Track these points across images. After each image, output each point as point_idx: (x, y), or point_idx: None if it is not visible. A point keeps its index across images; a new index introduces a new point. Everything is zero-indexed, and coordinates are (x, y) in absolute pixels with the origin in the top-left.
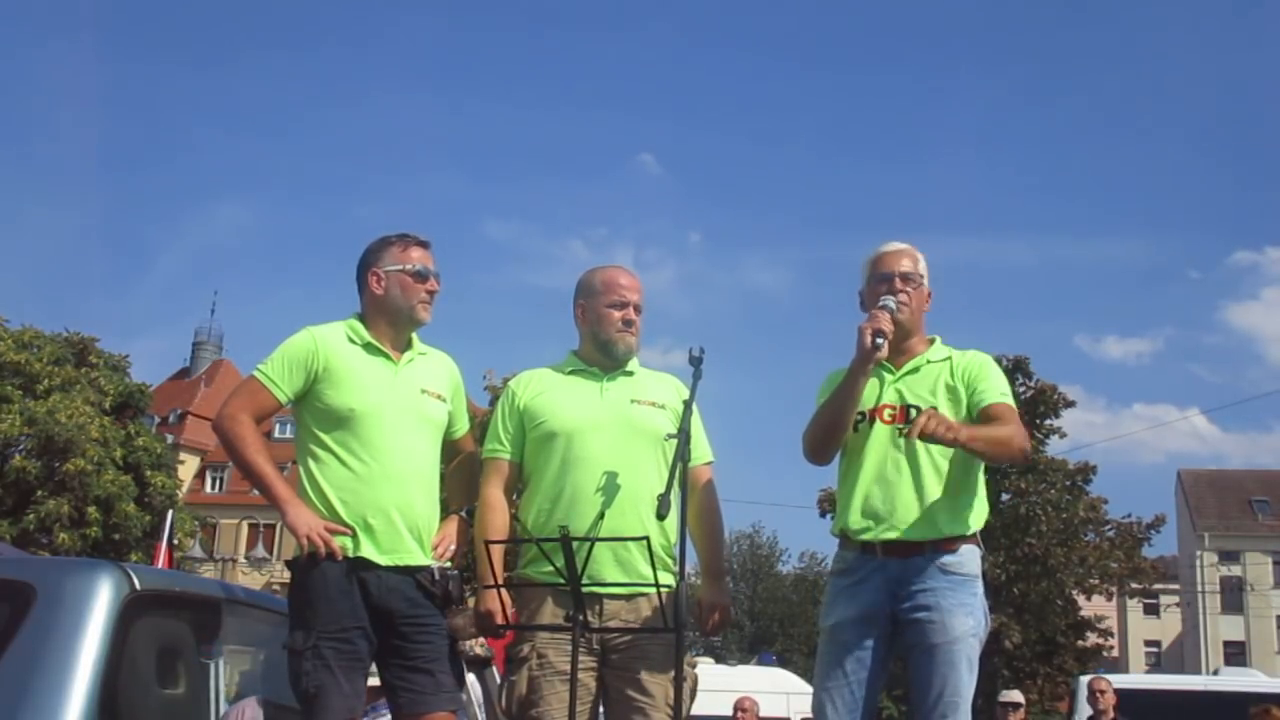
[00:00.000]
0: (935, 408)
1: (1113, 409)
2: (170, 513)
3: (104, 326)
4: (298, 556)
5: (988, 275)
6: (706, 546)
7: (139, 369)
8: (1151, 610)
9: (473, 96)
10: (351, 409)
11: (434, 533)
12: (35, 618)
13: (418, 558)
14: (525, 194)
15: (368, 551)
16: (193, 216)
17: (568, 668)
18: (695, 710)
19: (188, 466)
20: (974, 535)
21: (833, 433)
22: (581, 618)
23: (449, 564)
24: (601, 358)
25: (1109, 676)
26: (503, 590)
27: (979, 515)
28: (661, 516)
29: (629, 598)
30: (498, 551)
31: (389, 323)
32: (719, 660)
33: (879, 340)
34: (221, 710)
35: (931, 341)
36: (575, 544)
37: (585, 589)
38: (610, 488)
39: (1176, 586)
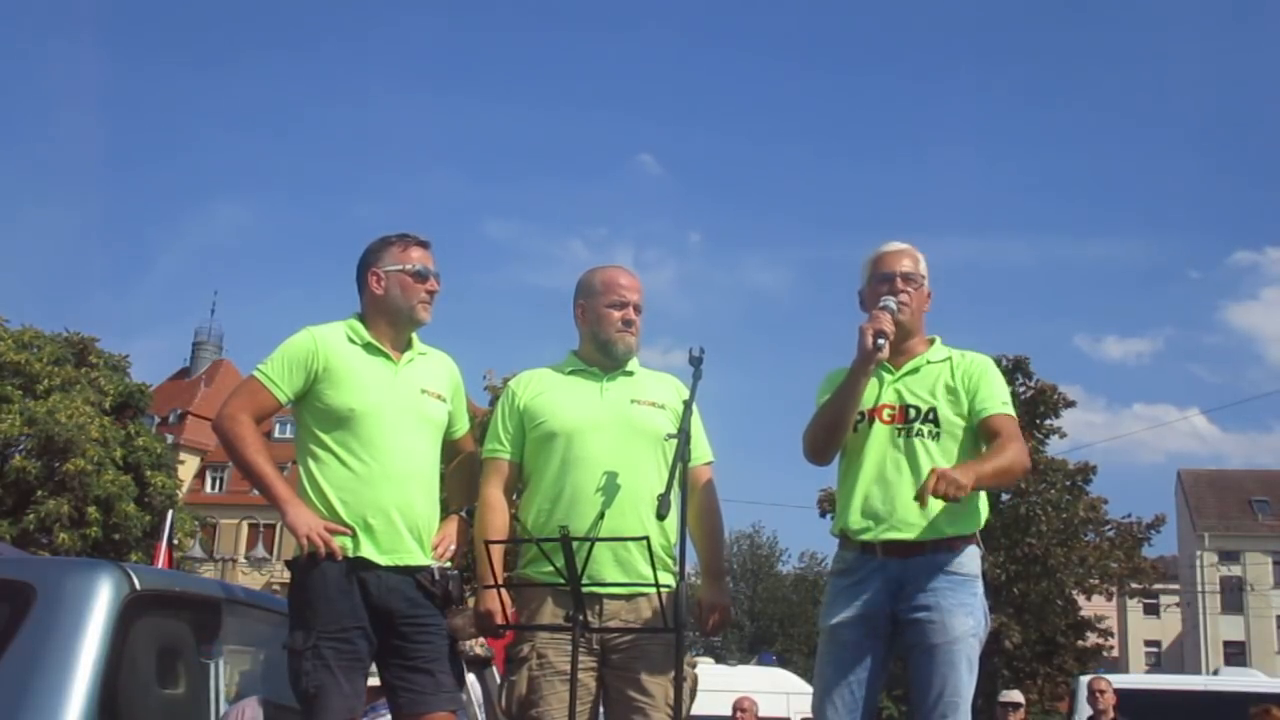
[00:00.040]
0: (935, 409)
1: (1113, 409)
2: (170, 513)
3: (104, 326)
4: (298, 556)
5: (987, 275)
6: (706, 547)
7: (139, 369)
8: (1151, 610)
9: (473, 96)
10: (351, 409)
11: (434, 533)
12: (35, 618)
13: (418, 558)
14: (525, 194)
15: (368, 551)
16: (193, 216)
17: (568, 668)
18: (695, 710)
19: (188, 466)
20: (974, 535)
21: (833, 433)
22: (581, 618)
23: (449, 564)
24: (601, 358)
25: (1109, 676)
26: (502, 590)
27: (979, 515)
28: (661, 516)
29: (629, 598)
30: (497, 551)
31: (389, 323)
32: (719, 660)
33: (880, 341)
34: (221, 710)
35: (931, 342)
36: (575, 544)
37: (585, 589)
38: (610, 488)
39: (1176, 586)
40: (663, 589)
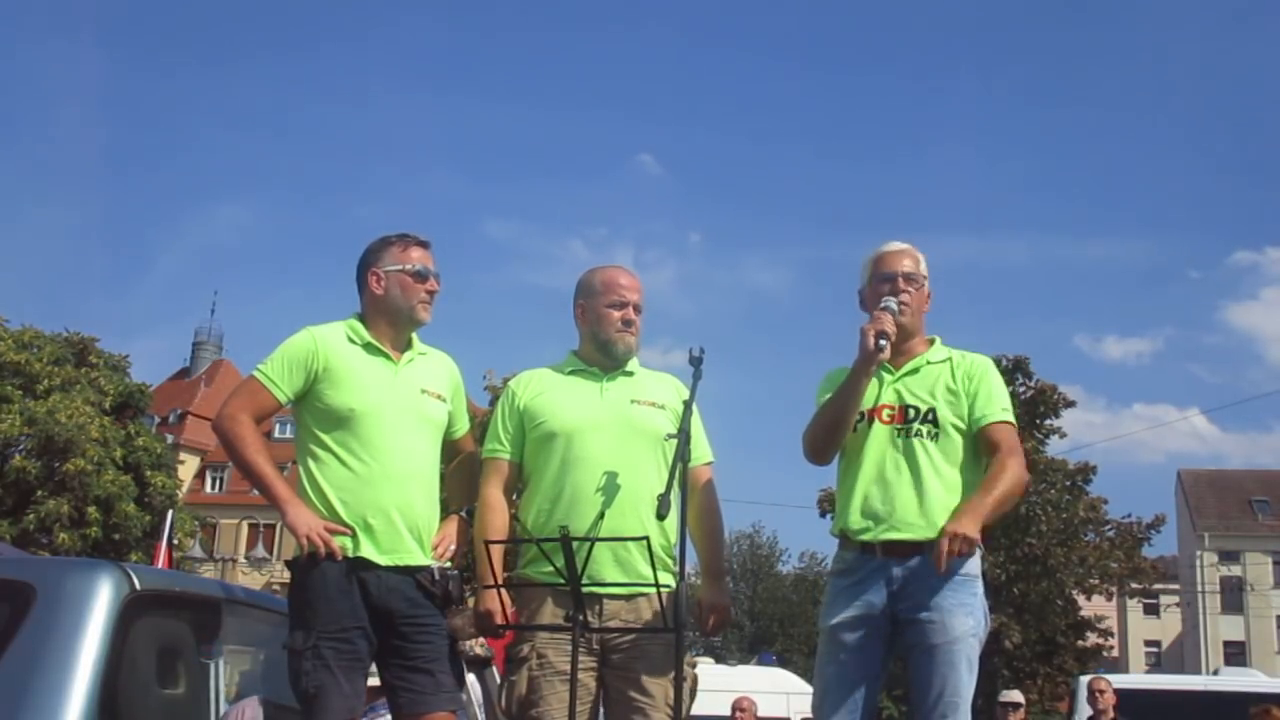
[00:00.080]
0: (934, 409)
1: (1113, 409)
2: (170, 513)
3: (104, 326)
4: (298, 556)
5: (987, 275)
6: (706, 547)
7: (139, 369)
8: (1151, 610)
9: (473, 96)
10: (351, 409)
11: (434, 533)
12: (35, 618)
13: (418, 558)
14: (525, 194)
15: (368, 551)
16: (193, 216)
17: (567, 668)
18: (695, 710)
19: (188, 466)
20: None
21: (834, 433)
22: (581, 618)
23: (449, 564)
24: (601, 358)
25: (1109, 676)
26: (502, 590)
27: None
28: (661, 517)
29: (629, 598)
30: (497, 551)
31: (389, 323)
32: (719, 660)
33: (882, 342)
34: (221, 710)
35: (931, 342)
36: (575, 544)
37: (585, 589)
38: (610, 488)
39: (1176, 586)
40: (663, 589)
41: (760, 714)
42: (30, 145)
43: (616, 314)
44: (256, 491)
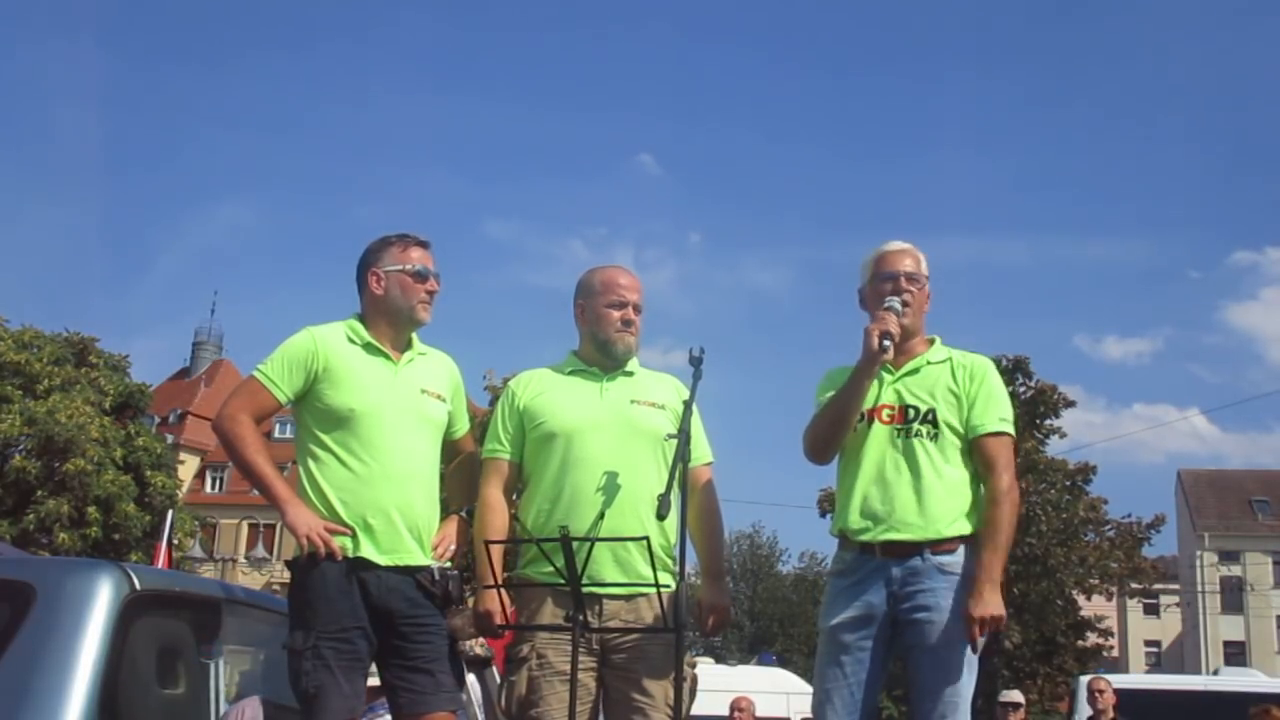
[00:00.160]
0: (934, 410)
1: (1113, 409)
2: (170, 513)
3: (104, 326)
4: (298, 556)
5: (987, 275)
6: (706, 547)
7: (139, 369)
8: (1151, 610)
9: (473, 96)
10: (351, 409)
11: (434, 533)
12: (35, 618)
13: (417, 558)
14: (525, 194)
15: (367, 551)
16: (193, 216)
17: (567, 668)
18: (695, 710)
19: (188, 466)
20: (973, 536)
21: (835, 432)
22: (581, 618)
23: (449, 564)
24: (601, 358)
25: (1109, 676)
26: (502, 590)
27: (977, 515)
28: (661, 517)
29: (629, 598)
30: (497, 552)
31: (389, 323)
32: (719, 660)
33: (886, 343)
34: (221, 710)
35: (931, 342)
36: (575, 544)
37: (585, 589)
38: (610, 488)
39: (1176, 586)
40: (662, 589)
41: (760, 714)
42: (30, 145)
43: (616, 314)
44: (256, 491)
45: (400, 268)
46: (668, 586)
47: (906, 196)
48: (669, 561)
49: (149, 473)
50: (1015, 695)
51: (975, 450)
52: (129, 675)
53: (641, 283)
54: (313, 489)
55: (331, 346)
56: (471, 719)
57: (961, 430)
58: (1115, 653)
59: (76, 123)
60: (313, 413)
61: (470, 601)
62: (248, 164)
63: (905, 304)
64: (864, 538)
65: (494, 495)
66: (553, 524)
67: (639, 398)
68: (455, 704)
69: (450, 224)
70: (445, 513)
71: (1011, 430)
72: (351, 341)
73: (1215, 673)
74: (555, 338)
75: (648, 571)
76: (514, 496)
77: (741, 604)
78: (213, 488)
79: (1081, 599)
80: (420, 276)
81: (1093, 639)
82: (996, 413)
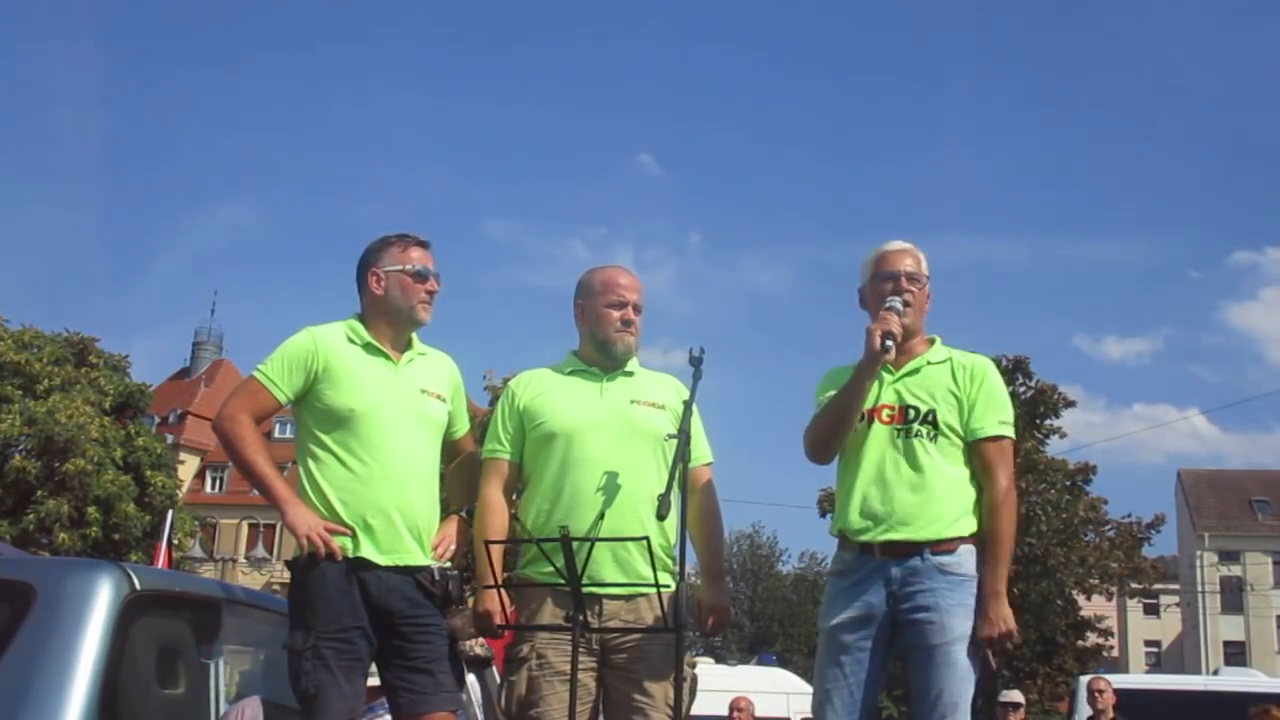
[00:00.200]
0: (935, 411)
1: (1113, 409)
2: (170, 513)
3: (104, 326)
4: (298, 556)
5: (987, 275)
6: (706, 547)
7: (139, 369)
8: (1151, 610)
9: (473, 96)
10: (351, 409)
11: (434, 533)
12: (35, 618)
13: (417, 558)
14: (525, 194)
15: (367, 551)
16: (193, 216)
17: (567, 668)
18: (695, 710)
19: (188, 466)
20: (973, 536)
21: (836, 432)
22: (581, 618)
23: (449, 564)
24: (601, 358)
25: (1109, 676)
26: (502, 590)
27: (977, 515)
28: (661, 517)
29: (628, 598)
30: (497, 552)
31: (389, 323)
32: (719, 660)
33: (888, 343)
34: (221, 710)
35: (931, 342)
36: (575, 544)
37: (585, 589)
38: (610, 488)
39: (1176, 586)
40: (662, 589)
41: (760, 714)
42: (30, 145)
43: (616, 314)
44: (256, 491)
45: (400, 268)
46: (668, 587)
47: (906, 197)
48: (669, 562)
49: (149, 473)
50: (1015, 695)
51: (974, 454)
52: (129, 675)
53: (641, 283)
54: (313, 489)
55: (331, 346)
56: (471, 719)
57: (961, 431)
58: (1115, 653)
59: (76, 123)
60: (313, 413)
61: (470, 601)
62: (248, 164)
63: (906, 304)
64: (864, 538)
65: (494, 495)
66: (553, 524)
67: (639, 398)
68: (455, 704)
69: (450, 224)
70: (445, 513)
71: (1011, 433)
72: (351, 341)
73: (1215, 673)
74: (555, 338)
75: (648, 572)
76: (514, 496)
77: (741, 604)
78: (213, 488)
79: (1081, 599)
80: (420, 276)
81: (1093, 639)
82: (996, 416)
